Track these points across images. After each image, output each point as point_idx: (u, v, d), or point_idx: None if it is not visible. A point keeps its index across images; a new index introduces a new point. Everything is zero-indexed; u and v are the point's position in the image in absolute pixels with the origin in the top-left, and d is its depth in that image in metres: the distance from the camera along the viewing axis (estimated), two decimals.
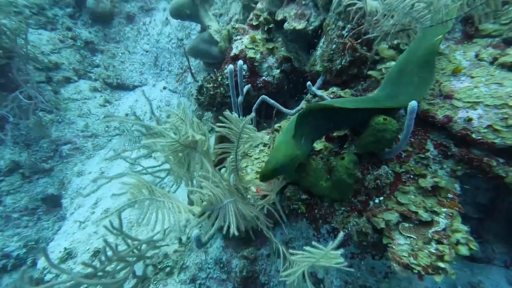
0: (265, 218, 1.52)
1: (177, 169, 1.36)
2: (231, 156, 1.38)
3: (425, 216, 1.46)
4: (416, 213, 1.47)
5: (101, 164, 5.09)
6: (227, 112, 1.33)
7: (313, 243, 1.13)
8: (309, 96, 2.09)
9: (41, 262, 3.29)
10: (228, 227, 1.18)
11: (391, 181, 1.52)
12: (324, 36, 2.22)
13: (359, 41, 1.84)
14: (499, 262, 1.99)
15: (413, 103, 1.31)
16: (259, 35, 2.58)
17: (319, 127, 1.48)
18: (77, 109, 5.64)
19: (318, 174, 1.52)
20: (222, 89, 2.43)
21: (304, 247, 1.16)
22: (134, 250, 2.18)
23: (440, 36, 1.55)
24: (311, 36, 2.46)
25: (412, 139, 1.61)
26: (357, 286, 1.75)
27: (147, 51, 6.55)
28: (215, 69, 2.66)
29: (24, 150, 5.15)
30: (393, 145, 1.54)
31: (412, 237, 1.45)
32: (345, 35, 1.95)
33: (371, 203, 1.56)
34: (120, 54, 6.62)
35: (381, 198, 1.55)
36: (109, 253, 1.95)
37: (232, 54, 2.56)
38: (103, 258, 1.90)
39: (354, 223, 1.50)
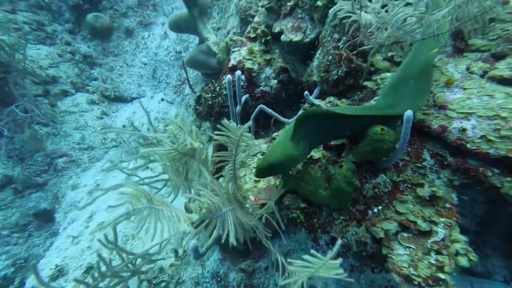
0: (263, 228, 1.50)
1: (175, 178, 1.35)
2: (229, 165, 1.38)
3: (424, 226, 1.45)
4: (414, 222, 1.47)
5: (96, 177, 5.04)
6: (225, 121, 1.34)
7: (312, 251, 1.12)
8: (306, 105, 2.12)
9: (30, 282, 3.19)
10: (227, 235, 1.16)
11: (389, 189, 1.52)
12: (321, 48, 2.28)
13: (354, 52, 1.89)
14: (499, 277, 1.97)
15: (408, 112, 1.33)
16: (256, 46, 2.63)
17: (318, 132, 1.50)
18: (74, 122, 5.64)
19: (317, 183, 1.53)
20: (220, 99, 2.46)
21: (303, 256, 1.14)
22: (129, 265, 2.12)
23: (436, 50, 1.61)
24: (308, 48, 2.52)
25: (408, 149, 1.63)
26: None
27: (145, 64, 6.64)
28: (213, 80, 2.70)
29: (18, 164, 5.08)
30: (391, 154, 1.55)
31: (411, 247, 1.43)
32: (340, 46, 1.99)
33: (370, 212, 1.55)
34: (118, 67, 6.69)
35: (380, 207, 1.54)
36: (103, 268, 1.89)
37: (230, 64, 2.61)
38: (96, 274, 1.85)
39: (353, 232, 1.49)
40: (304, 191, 1.57)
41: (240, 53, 2.63)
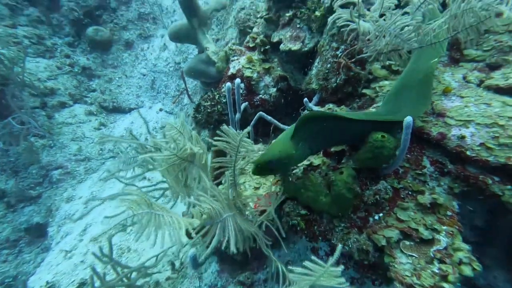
0: (263, 235, 1.47)
1: (174, 185, 1.33)
2: (229, 170, 1.36)
3: (426, 234, 1.43)
4: (416, 230, 1.45)
5: (92, 188, 4.98)
6: (224, 126, 1.33)
7: (312, 257, 1.09)
8: (306, 112, 2.13)
9: None
10: (228, 242, 1.14)
11: (390, 196, 1.51)
12: (319, 57, 2.31)
13: (353, 60, 1.92)
14: None
15: (408, 118, 1.34)
16: (255, 55, 2.67)
17: (318, 135, 1.49)
18: (71, 133, 5.62)
19: (318, 189, 1.51)
20: (219, 107, 2.47)
21: (303, 263, 1.12)
22: (124, 279, 2.05)
23: (436, 59, 1.64)
24: (306, 57, 2.56)
25: (408, 155, 1.62)
26: None
27: (144, 75, 6.70)
28: (212, 88, 2.73)
29: (12, 178, 5.01)
30: (391, 161, 1.55)
31: (414, 256, 1.41)
32: (339, 55, 2.03)
33: (371, 219, 1.53)
34: (117, 78, 6.74)
35: (381, 214, 1.52)
36: (97, 283, 1.83)
37: (229, 73, 2.64)
38: None
39: (355, 239, 1.47)
40: (305, 197, 1.55)
41: (239, 62, 2.67)
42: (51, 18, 6.50)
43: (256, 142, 2.51)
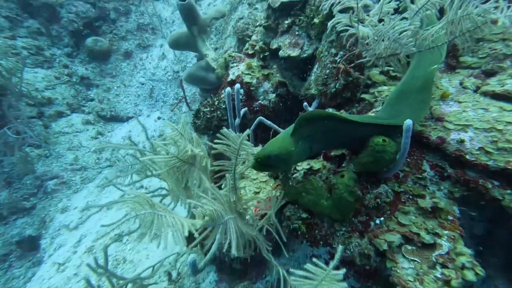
0: (264, 240, 1.45)
1: (174, 187, 1.31)
2: (229, 174, 1.35)
3: (427, 238, 1.42)
4: (418, 234, 1.43)
5: (88, 198, 4.89)
6: (224, 129, 1.33)
7: (314, 259, 1.08)
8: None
9: None
10: (229, 245, 1.11)
11: (391, 200, 1.50)
12: (318, 63, 2.33)
13: (352, 65, 1.94)
14: None
15: (408, 122, 1.35)
16: (255, 62, 2.69)
17: (318, 135, 1.49)
18: (67, 143, 5.57)
19: (319, 193, 1.50)
20: (219, 112, 2.48)
21: (304, 266, 1.11)
22: None
23: (436, 66, 1.66)
24: (305, 64, 2.59)
25: (408, 159, 1.63)
26: None
27: (142, 84, 6.72)
28: (211, 95, 2.74)
29: (5, 189, 4.91)
30: (391, 165, 1.55)
31: (416, 261, 1.39)
32: (338, 60, 2.05)
33: (372, 223, 1.51)
34: (115, 87, 6.76)
35: (382, 218, 1.51)
36: None
37: (229, 79, 2.66)
38: None
39: (356, 243, 1.44)
40: (305, 201, 1.54)
41: (238, 68, 2.69)
42: (50, 30, 6.55)
43: (255, 147, 2.51)
